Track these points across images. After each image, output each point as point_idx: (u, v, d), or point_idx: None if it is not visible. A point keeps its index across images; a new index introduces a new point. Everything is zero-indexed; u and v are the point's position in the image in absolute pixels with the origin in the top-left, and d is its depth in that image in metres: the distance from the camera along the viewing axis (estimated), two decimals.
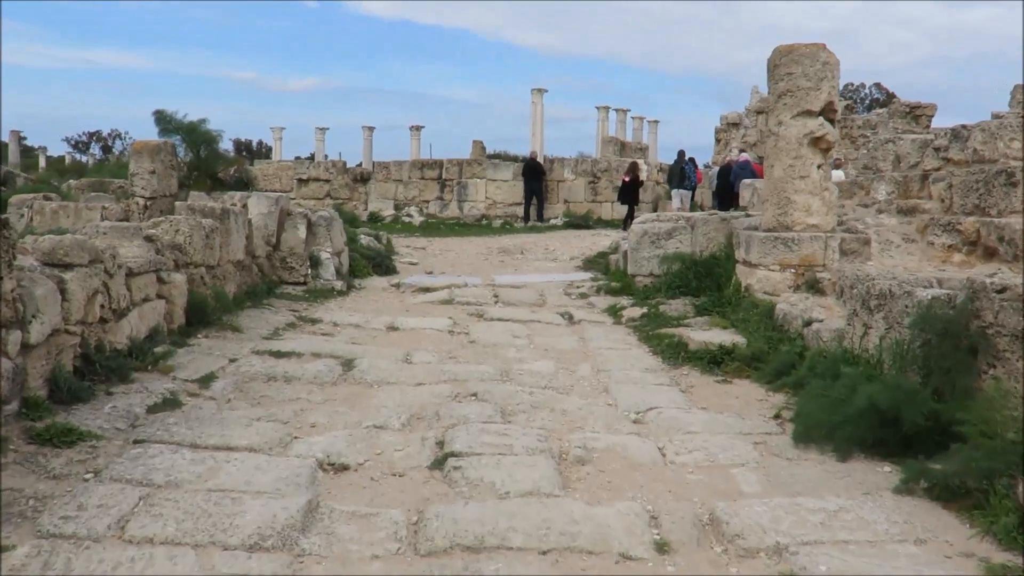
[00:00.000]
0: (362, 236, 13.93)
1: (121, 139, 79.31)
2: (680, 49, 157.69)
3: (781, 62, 9.35)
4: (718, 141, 43.40)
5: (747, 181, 12.84)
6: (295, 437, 5.46)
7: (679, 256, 11.33)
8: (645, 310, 10.16)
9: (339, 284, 11.32)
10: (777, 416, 6.37)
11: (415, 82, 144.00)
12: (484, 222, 25.80)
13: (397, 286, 12.18)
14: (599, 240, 19.43)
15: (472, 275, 13.69)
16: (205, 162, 10.82)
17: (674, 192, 24.26)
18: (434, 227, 24.65)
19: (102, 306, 6.31)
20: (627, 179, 24.05)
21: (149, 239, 7.52)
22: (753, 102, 44.36)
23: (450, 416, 5.97)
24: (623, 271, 12.05)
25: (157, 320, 7.31)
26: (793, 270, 9.25)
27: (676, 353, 8.30)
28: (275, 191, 11.27)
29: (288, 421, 5.78)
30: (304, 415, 5.95)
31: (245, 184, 11.45)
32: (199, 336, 7.82)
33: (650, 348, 8.68)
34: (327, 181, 29.05)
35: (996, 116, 29.18)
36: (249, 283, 10.07)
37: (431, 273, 13.80)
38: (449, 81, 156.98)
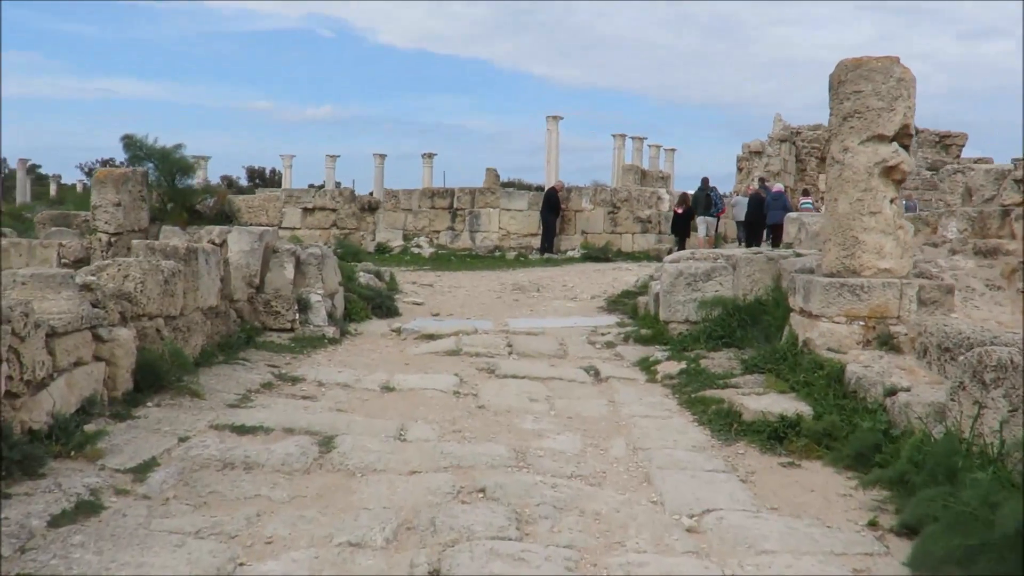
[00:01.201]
0: (360, 274, 12.56)
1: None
2: (692, 81, 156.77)
3: (847, 78, 7.95)
4: (740, 170, 42.09)
5: (792, 215, 11.43)
6: (241, 564, 4.04)
7: (719, 300, 9.91)
8: (683, 365, 8.72)
9: (331, 331, 9.93)
10: (873, 524, 4.93)
11: (430, 111, 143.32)
12: (497, 254, 24.44)
13: (398, 332, 10.78)
14: (621, 275, 18.01)
15: (483, 318, 12.27)
16: (181, 193, 9.46)
17: (699, 219, 23.64)
18: (444, 259, 23.31)
19: (9, 378, 4.93)
20: (679, 211, 23.28)
21: (87, 288, 6.14)
22: (776, 130, 43.13)
23: (450, 527, 4.54)
24: (655, 316, 10.62)
25: (93, 388, 5.92)
26: (862, 322, 7.81)
27: (727, 424, 6.88)
28: (261, 225, 9.91)
29: (237, 535, 4.37)
30: (260, 524, 4.53)
31: (227, 217, 10.13)
32: (149, 404, 6.42)
33: (694, 416, 7.24)
34: (333, 210, 27.76)
35: None
36: (224, 332, 8.68)
37: (437, 315, 12.39)
38: (464, 111, 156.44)
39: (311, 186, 55.29)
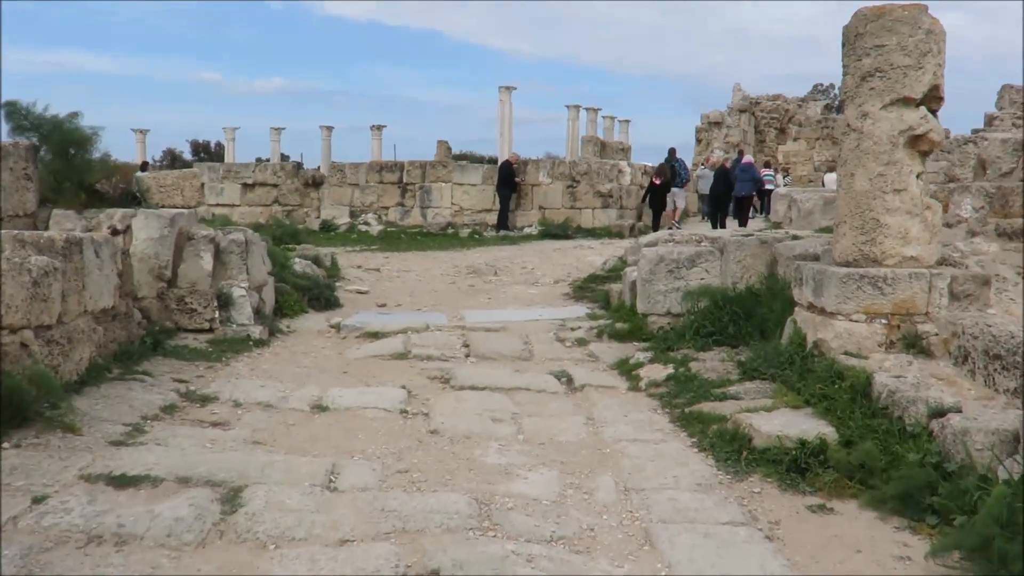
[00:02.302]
0: (296, 260, 11.08)
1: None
2: (646, 52, 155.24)
3: (866, 31, 6.67)
4: (699, 141, 41.04)
5: (781, 191, 10.17)
6: None
7: (706, 291, 8.65)
8: (670, 369, 7.45)
9: (257, 330, 8.49)
10: None
11: (383, 84, 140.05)
12: (450, 231, 23.02)
13: (337, 328, 9.36)
14: (584, 255, 16.72)
15: (436, 308, 10.90)
16: (76, 170, 7.92)
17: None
18: (394, 237, 21.84)
19: None
20: (657, 181, 22.27)
21: None
22: (735, 100, 42.06)
23: None
24: (631, 308, 9.32)
25: None
26: (884, 320, 6.58)
27: (735, 451, 5.64)
28: (175, 207, 8.42)
29: None
30: None
31: (135, 198, 8.58)
32: (5, 446, 4.98)
33: (691, 438, 5.99)
34: (275, 186, 26.13)
35: (990, 116, 26.97)
36: (124, 338, 7.23)
37: (384, 306, 10.98)
38: (416, 83, 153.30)
39: (258, 160, 53.37)
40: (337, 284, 11.97)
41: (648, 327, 8.90)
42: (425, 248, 18.53)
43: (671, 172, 23.11)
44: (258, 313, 8.93)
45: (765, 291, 8.45)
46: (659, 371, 7.48)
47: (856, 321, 6.58)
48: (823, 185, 27.83)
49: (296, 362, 7.88)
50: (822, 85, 71.77)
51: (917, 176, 6.68)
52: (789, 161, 40.76)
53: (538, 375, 7.51)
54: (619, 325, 9.04)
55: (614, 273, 12.33)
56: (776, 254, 8.58)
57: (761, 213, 26.30)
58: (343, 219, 24.65)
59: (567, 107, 40.44)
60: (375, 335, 8.90)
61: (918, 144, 6.64)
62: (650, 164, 27.78)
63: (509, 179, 22.68)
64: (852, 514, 4.83)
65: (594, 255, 16.78)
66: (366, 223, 24.11)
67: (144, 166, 29.07)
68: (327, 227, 24.05)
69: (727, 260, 8.82)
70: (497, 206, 23.14)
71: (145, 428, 5.60)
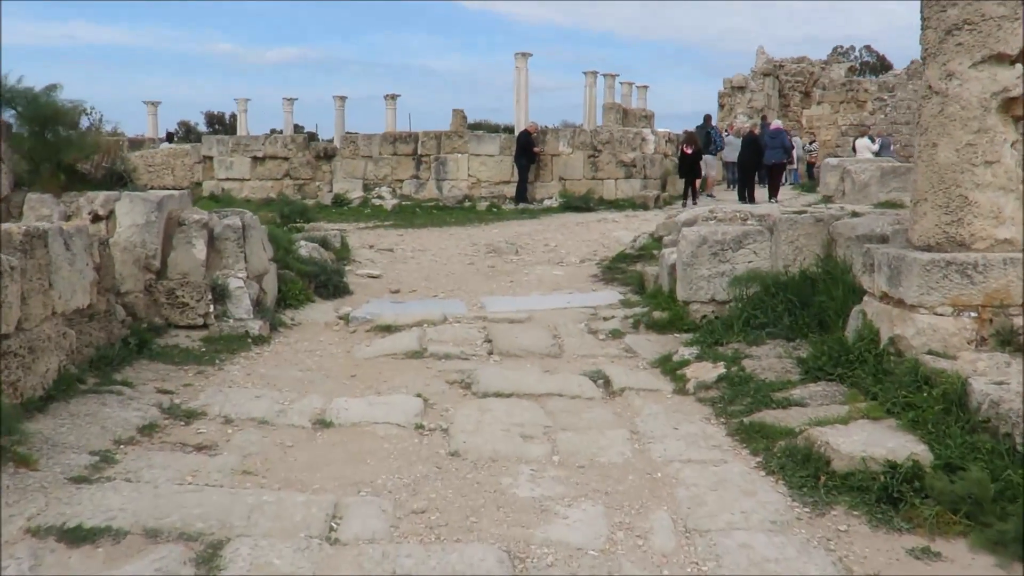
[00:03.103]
0: (301, 243, 10.20)
1: (88, 115, 75.90)
2: (662, 16, 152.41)
3: None
4: (722, 106, 39.88)
5: (832, 162, 9.17)
6: None
7: (756, 276, 7.73)
8: (721, 368, 6.56)
9: (256, 325, 7.64)
10: None
11: (397, 53, 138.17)
12: (467, 204, 22.09)
13: (346, 320, 8.50)
14: (609, 230, 15.81)
15: (453, 294, 10.04)
16: (54, 149, 7.08)
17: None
18: (408, 212, 20.95)
19: None
20: (688, 150, 21.33)
21: None
22: (759, 64, 40.79)
23: None
24: (670, 294, 8.42)
25: None
26: (974, 314, 5.67)
27: (810, 476, 4.77)
28: (165, 188, 7.57)
29: None
30: None
31: (121, 179, 7.73)
32: None
33: (755, 457, 5.12)
34: (285, 159, 25.27)
35: None
36: (104, 340, 6.40)
37: (397, 292, 10.12)
38: (432, 51, 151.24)
39: (272, 131, 52.46)
40: (347, 268, 11.11)
41: (690, 316, 8.00)
42: (441, 223, 17.63)
43: (705, 139, 22.25)
44: (258, 305, 8.09)
45: (822, 276, 7.53)
46: (708, 370, 6.59)
47: (941, 315, 5.67)
48: (854, 152, 26.69)
49: (299, 363, 7.03)
50: (842, 47, 70.25)
51: (1012, 145, 5.73)
52: (813, 126, 39.48)
53: (571, 376, 6.64)
54: (657, 314, 8.15)
55: (645, 252, 11.42)
56: (834, 234, 7.65)
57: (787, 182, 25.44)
58: (356, 193, 23.78)
59: (584, 73, 39.24)
60: (387, 329, 8.04)
61: (1013, 108, 5.69)
62: (674, 131, 26.77)
63: (527, 149, 21.72)
64: (964, 560, 3.98)
65: (620, 229, 15.87)
66: (380, 197, 23.23)
67: (169, 137, 28.37)
68: (339, 201, 23.19)
69: (777, 240, 7.90)
70: (516, 178, 22.20)
71: (116, 456, 4.77)
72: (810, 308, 7.30)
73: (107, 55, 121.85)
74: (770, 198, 21.09)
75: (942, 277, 5.64)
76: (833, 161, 9.36)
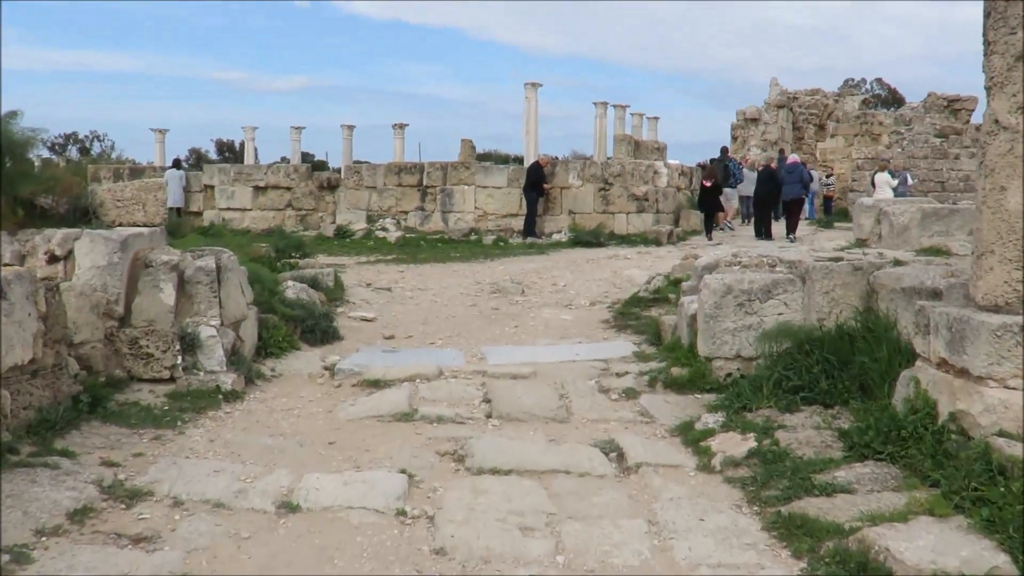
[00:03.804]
0: (288, 285, 9.41)
1: (100, 141, 76.22)
2: (669, 47, 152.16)
3: None
4: (735, 139, 39.10)
5: (866, 202, 8.39)
6: None
7: (787, 331, 6.91)
8: (751, 440, 5.73)
9: (229, 379, 6.84)
10: None
11: (406, 82, 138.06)
12: (474, 237, 21.35)
13: (331, 373, 7.70)
14: (621, 268, 15.00)
15: (452, 340, 9.24)
16: (12, 182, 6.31)
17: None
18: (413, 245, 20.25)
19: None
20: (707, 183, 20.73)
21: None
22: (772, 95, 40.09)
23: None
24: (690, 348, 7.61)
25: None
26: None
27: None
28: (135, 224, 6.80)
29: None
30: None
31: (85, 214, 6.95)
32: None
33: (796, 559, 4.29)
34: (288, 189, 24.65)
35: None
36: (47, 400, 5.62)
37: (391, 339, 9.32)
38: (440, 80, 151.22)
39: (283, 159, 51.95)
40: (339, 310, 10.33)
41: (713, 374, 7.19)
42: (445, 259, 16.86)
43: (724, 172, 21.61)
44: (235, 355, 7.30)
45: (862, 332, 6.71)
46: (736, 443, 5.77)
47: (1014, 388, 4.84)
48: (872, 186, 25.89)
49: (272, 426, 6.23)
50: (853, 80, 69.66)
51: None
52: (827, 159, 38.72)
53: (579, 448, 5.81)
54: (676, 371, 7.33)
55: (660, 295, 10.62)
56: (875, 285, 6.85)
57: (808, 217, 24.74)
58: (359, 224, 23.09)
59: (595, 104, 38.66)
60: (375, 384, 7.23)
61: None
62: (686, 164, 26.05)
63: (538, 182, 20.99)
64: None
65: (632, 267, 15.07)
66: (383, 229, 22.53)
67: (177, 164, 27.68)
68: (342, 233, 22.52)
69: (811, 291, 7.09)
70: (524, 210, 21.48)
71: (32, 554, 3.96)
72: (849, 369, 6.48)
73: (118, 82, 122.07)
74: (788, 234, 20.32)
75: (1015, 344, 4.83)
76: (868, 201, 8.58)
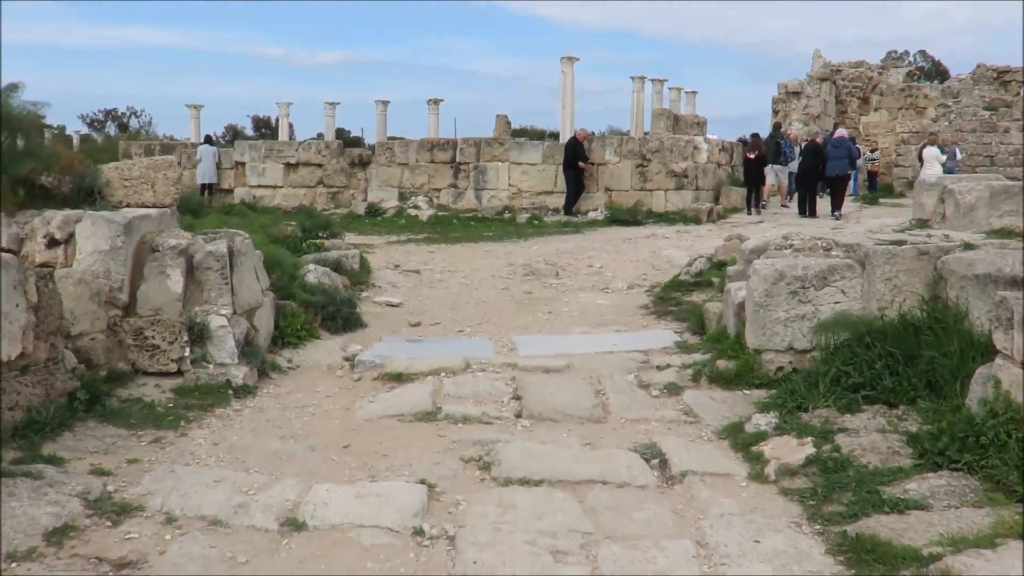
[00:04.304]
0: (310, 268, 8.91)
1: (137, 117, 76.60)
2: (708, 19, 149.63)
3: None
4: (776, 113, 38.08)
5: (929, 180, 7.70)
6: None
7: (845, 321, 6.31)
8: (809, 447, 5.16)
9: (240, 373, 6.38)
10: None
11: (446, 56, 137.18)
12: (507, 215, 20.80)
13: (351, 365, 7.22)
14: (660, 248, 14.41)
15: (481, 330, 8.72)
16: (12, 160, 5.87)
17: (768, 168, 21.22)
18: (445, 223, 19.74)
19: None
20: (751, 156, 20.47)
21: None
22: (815, 68, 39.01)
23: None
24: (737, 339, 7.03)
25: None
26: None
27: None
28: (144, 206, 6.34)
29: None
30: None
31: (91, 195, 6.49)
32: None
33: None
34: (319, 166, 24.24)
35: None
36: (39, 399, 5.17)
37: (417, 326, 8.83)
38: (480, 56, 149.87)
39: (319, 136, 51.54)
40: (364, 294, 9.84)
41: (762, 367, 6.60)
42: (477, 238, 16.32)
43: (775, 148, 20.99)
44: (248, 345, 6.84)
45: (928, 323, 6.10)
46: (792, 448, 5.20)
47: None
48: (920, 161, 24.96)
49: (284, 425, 5.75)
50: (896, 52, 67.94)
51: None
52: (870, 133, 37.59)
53: (617, 453, 5.26)
54: (723, 364, 6.75)
55: (703, 279, 10.03)
56: (943, 271, 6.23)
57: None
58: (391, 202, 22.62)
59: (632, 78, 37.75)
60: (397, 378, 6.73)
61: None
62: (726, 139, 25.27)
63: (574, 159, 20.36)
64: None
65: (671, 247, 14.47)
66: (416, 207, 22.04)
67: (209, 140, 27.27)
68: (373, 211, 22.06)
69: (871, 277, 6.48)
70: (560, 187, 20.91)
71: None
72: (916, 364, 5.88)
73: (158, 58, 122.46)
74: (833, 212, 19.56)
75: None
76: (930, 178, 7.91)
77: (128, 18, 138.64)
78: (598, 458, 5.16)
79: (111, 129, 73.37)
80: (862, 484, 4.67)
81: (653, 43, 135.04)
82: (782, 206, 22.09)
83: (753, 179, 20.66)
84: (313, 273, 8.76)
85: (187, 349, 6.34)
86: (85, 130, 68.59)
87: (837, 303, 6.59)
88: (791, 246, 7.29)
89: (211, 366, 6.40)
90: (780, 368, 6.60)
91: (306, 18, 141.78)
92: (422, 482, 4.73)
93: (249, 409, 6.03)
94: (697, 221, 19.19)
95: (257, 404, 6.16)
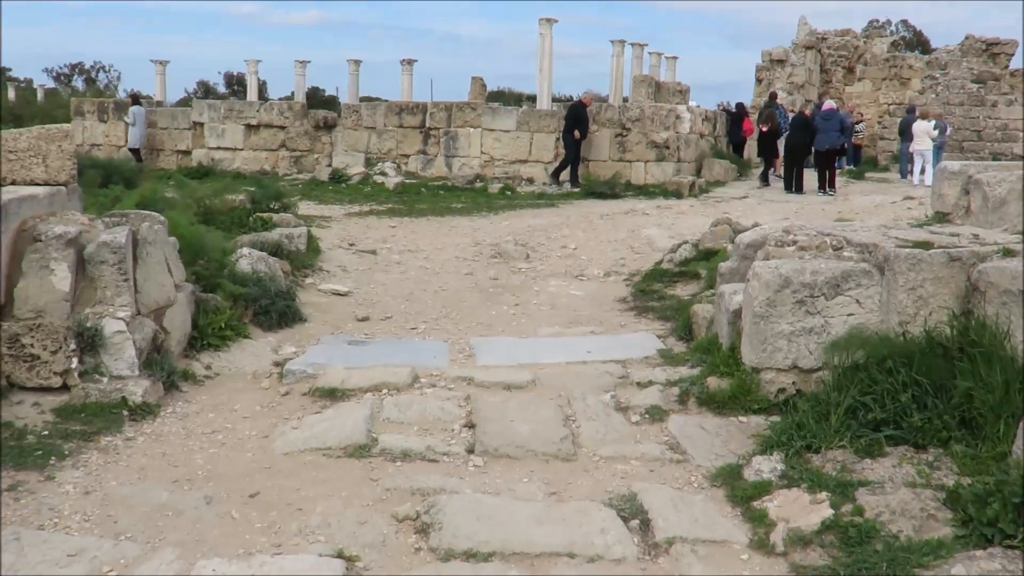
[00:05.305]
0: (243, 252, 7.77)
1: (106, 72, 74.66)
2: None
3: None
4: (759, 81, 36.98)
5: (953, 167, 6.65)
6: None
7: (860, 338, 5.32)
8: (826, 508, 4.17)
9: (140, 388, 5.31)
10: None
11: (425, 17, 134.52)
12: (479, 184, 19.73)
13: (280, 373, 6.17)
14: (639, 225, 13.38)
15: (438, 327, 7.68)
16: None
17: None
18: (412, 192, 18.67)
19: None
20: (764, 129, 20.10)
21: None
22: (800, 35, 37.87)
23: None
24: (731, 352, 6.02)
25: None
26: None
27: None
28: (34, 183, 5.21)
29: None
30: None
31: None
32: None
33: None
34: (282, 128, 23.02)
35: None
36: None
37: (365, 321, 7.77)
38: (459, 16, 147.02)
39: (292, 95, 50.05)
40: (308, 280, 8.75)
41: (761, 389, 5.61)
42: (445, 211, 15.22)
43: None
44: (157, 351, 5.77)
45: (961, 344, 5.13)
46: (803, 507, 4.22)
47: None
48: (902, 136, 24.01)
49: (182, 462, 4.69)
50: (878, 21, 66.91)
51: None
52: (854, 103, 36.59)
53: (589, 510, 4.23)
54: (714, 382, 5.76)
55: (688, 269, 9.02)
56: (979, 282, 5.24)
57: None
58: (357, 168, 21.44)
59: (611, 42, 36.52)
60: (331, 394, 5.67)
61: None
62: (709, 108, 24.20)
63: (575, 125, 19.07)
64: None
65: (652, 226, 13.45)
66: (382, 173, 20.88)
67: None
68: (337, 177, 20.90)
69: (892, 286, 5.48)
70: (536, 156, 19.89)
71: None
72: (947, 395, 4.91)
73: (132, 13, 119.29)
74: (821, 188, 18.62)
75: None
76: (954, 166, 6.90)
77: None
78: (566, 516, 4.15)
79: (78, 83, 71.27)
80: (894, 564, 3.71)
81: (633, 7, 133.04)
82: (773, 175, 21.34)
83: (767, 151, 20.61)
84: (247, 259, 7.65)
85: (74, 359, 5.26)
86: (51, 84, 66.57)
87: (851, 315, 5.60)
88: (794, 242, 6.27)
89: (105, 380, 5.32)
90: (782, 390, 5.62)
91: None
92: (340, 555, 3.70)
93: (144, 437, 4.97)
94: (678, 195, 18.17)
95: (156, 429, 5.10)
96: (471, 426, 5.20)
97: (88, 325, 5.35)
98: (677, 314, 7.58)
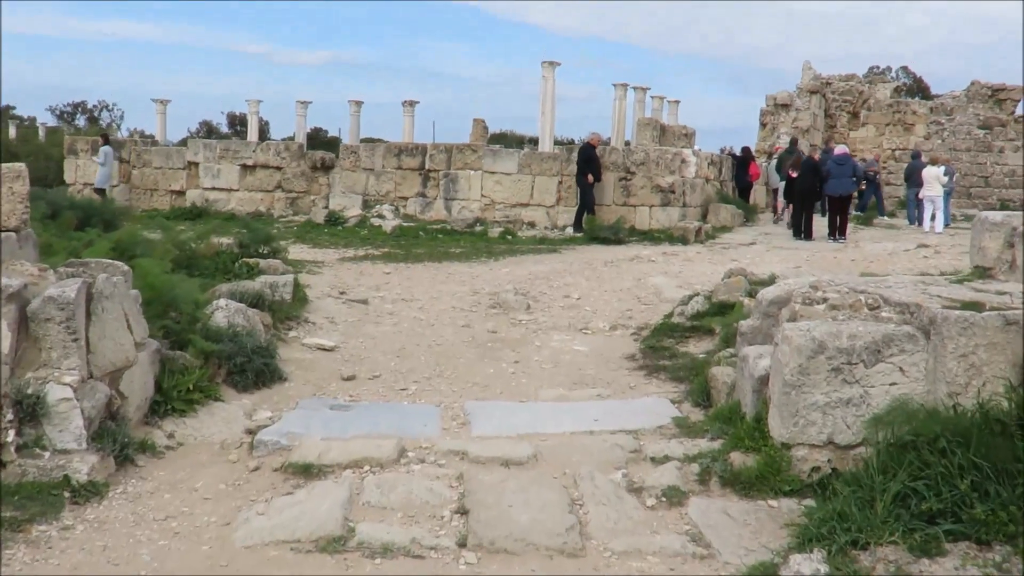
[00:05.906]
0: (220, 304, 7.14)
1: (109, 111, 74.63)
2: (691, 30, 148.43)
3: None
4: (763, 125, 36.60)
5: (995, 217, 6.02)
6: None
7: (906, 412, 4.67)
8: None
9: (86, 465, 4.65)
10: None
11: (429, 59, 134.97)
12: (479, 228, 19.18)
13: (251, 443, 5.51)
14: (645, 273, 12.77)
15: (430, 387, 7.02)
16: None
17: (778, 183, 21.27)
18: (410, 235, 18.09)
19: None
20: (794, 175, 19.16)
21: None
22: (805, 80, 37.55)
23: None
24: (757, 423, 5.37)
25: None
26: None
27: None
28: None
29: None
30: None
31: None
32: None
33: None
34: (278, 168, 22.53)
35: None
36: None
37: (351, 380, 7.11)
38: (464, 59, 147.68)
39: (293, 137, 49.73)
40: (292, 334, 8.12)
41: (793, 468, 4.96)
42: (443, 256, 14.62)
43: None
44: (113, 419, 5.13)
45: (1021, 419, 4.49)
46: None
47: None
48: (909, 182, 23.48)
49: (125, 560, 4.01)
50: (878, 68, 66.93)
51: None
52: (856, 148, 36.17)
53: None
54: (738, 458, 5.10)
55: (701, 324, 8.38)
56: None
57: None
58: (354, 210, 20.90)
59: (614, 86, 36.15)
60: (305, 470, 5.01)
61: None
62: (715, 152, 23.72)
63: (585, 168, 18.57)
64: None
65: (658, 274, 12.84)
66: (380, 216, 20.35)
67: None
68: (333, 220, 20.38)
69: (939, 351, 4.85)
70: (537, 200, 19.40)
71: None
72: (1011, 482, 4.25)
73: (140, 52, 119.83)
74: (831, 235, 18.05)
75: None
76: (995, 216, 6.31)
77: (115, 12, 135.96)
78: None
79: (81, 122, 71.15)
80: None
81: (636, 52, 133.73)
82: (775, 222, 20.83)
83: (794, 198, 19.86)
84: (223, 311, 7.01)
85: (11, 432, 4.61)
86: (53, 122, 66.43)
87: (893, 384, 4.96)
88: (824, 300, 5.64)
89: (46, 455, 4.67)
90: (816, 469, 4.97)
91: (291, 17, 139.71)
92: None
93: (85, 525, 4.30)
94: (684, 241, 17.59)
95: (100, 515, 4.43)
96: (463, 512, 4.52)
97: (29, 392, 4.71)
98: (692, 375, 6.93)
